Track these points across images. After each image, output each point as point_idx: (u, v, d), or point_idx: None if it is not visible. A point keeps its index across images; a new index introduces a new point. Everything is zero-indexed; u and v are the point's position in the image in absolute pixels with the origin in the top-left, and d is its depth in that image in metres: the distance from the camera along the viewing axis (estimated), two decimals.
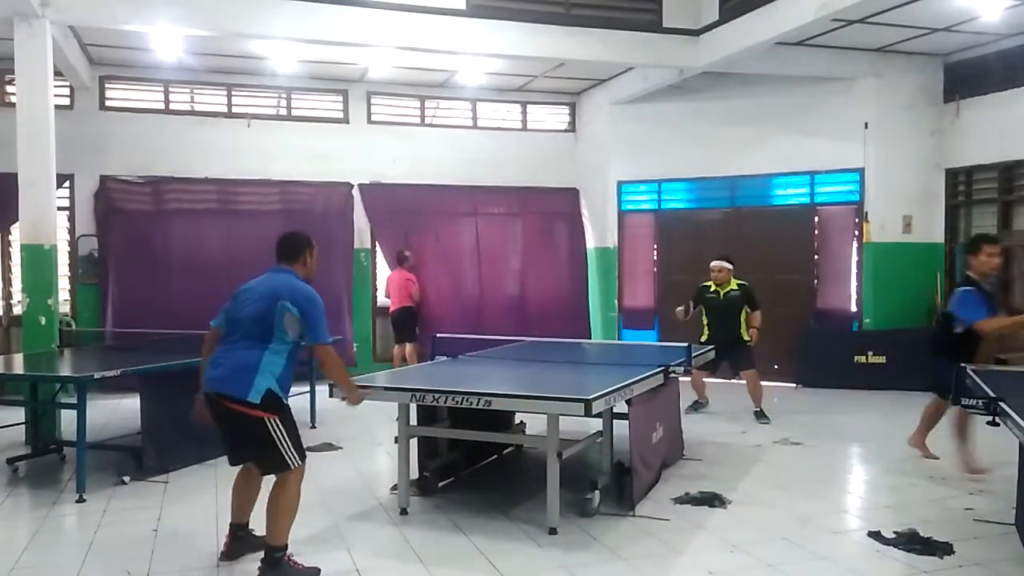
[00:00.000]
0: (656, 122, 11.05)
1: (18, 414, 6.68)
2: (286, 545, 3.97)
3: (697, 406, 8.37)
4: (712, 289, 8.19)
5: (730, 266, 8.22)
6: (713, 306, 8.16)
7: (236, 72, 10.68)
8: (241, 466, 4.25)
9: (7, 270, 10.07)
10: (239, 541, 4.28)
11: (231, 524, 4.32)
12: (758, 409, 8.08)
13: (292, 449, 3.94)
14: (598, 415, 4.87)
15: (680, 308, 8.27)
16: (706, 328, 8.21)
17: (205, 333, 4.32)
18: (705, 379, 8.40)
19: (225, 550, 4.27)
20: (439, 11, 8.52)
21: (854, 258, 10.25)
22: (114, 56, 10.05)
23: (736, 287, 8.16)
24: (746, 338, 8.09)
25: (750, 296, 8.16)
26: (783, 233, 10.49)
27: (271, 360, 3.96)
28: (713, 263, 8.23)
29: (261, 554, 4.00)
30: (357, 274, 11.15)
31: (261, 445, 3.93)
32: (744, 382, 8.24)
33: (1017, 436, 3.89)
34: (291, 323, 3.99)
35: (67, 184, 10.02)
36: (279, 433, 3.91)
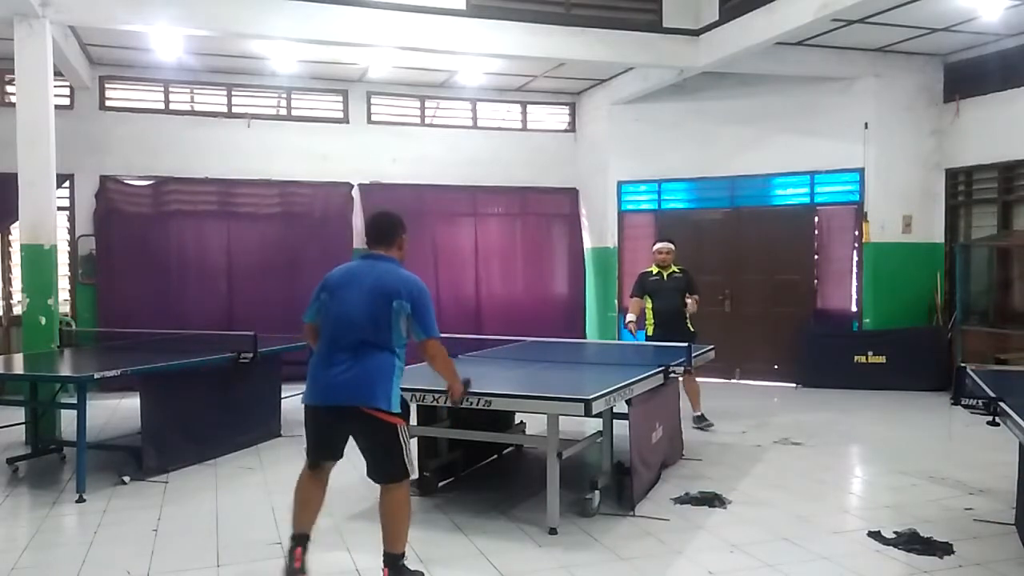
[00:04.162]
0: (656, 122, 11.05)
1: (18, 414, 6.68)
2: (405, 552, 3.90)
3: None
4: (655, 273, 7.88)
5: (673, 247, 7.96)
6: (656, 289, 7.80)
7: (236, 72, 10.68)
8: (309, 473, 4.00)
9: (7, 270, 10.06)
10: (306, 552, 3.97)
11: (301, 535, 3.95)
12: (698, 413, 7.64)
13: (410, 457, 3.85)
14: (598, 415, 4.86)
15: (631, 321, 7.79)
16: (652, 317, 7.80)
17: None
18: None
19: (299, 566, 3.88)
20: (439, 11, 8.51)
21: (854, 258, 10.25)
22: (114, 56, 10.04)
23: (678, 271, 7.87)
24: (692, 330, 7.63)
25: (691, 280, 7.83)
26: (783, 233, 10.48)
27: (400, 366, 3.82)
28: (659, 244, 7.97)
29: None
30: None
31: (387, 452, 3.79)
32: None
33: (1017, 436, 3.90)
34: (406, 322, 3.80)
35: (67, 184, 10.01)
36: (406, 441, 3.80)
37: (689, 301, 7.64)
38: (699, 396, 7.70)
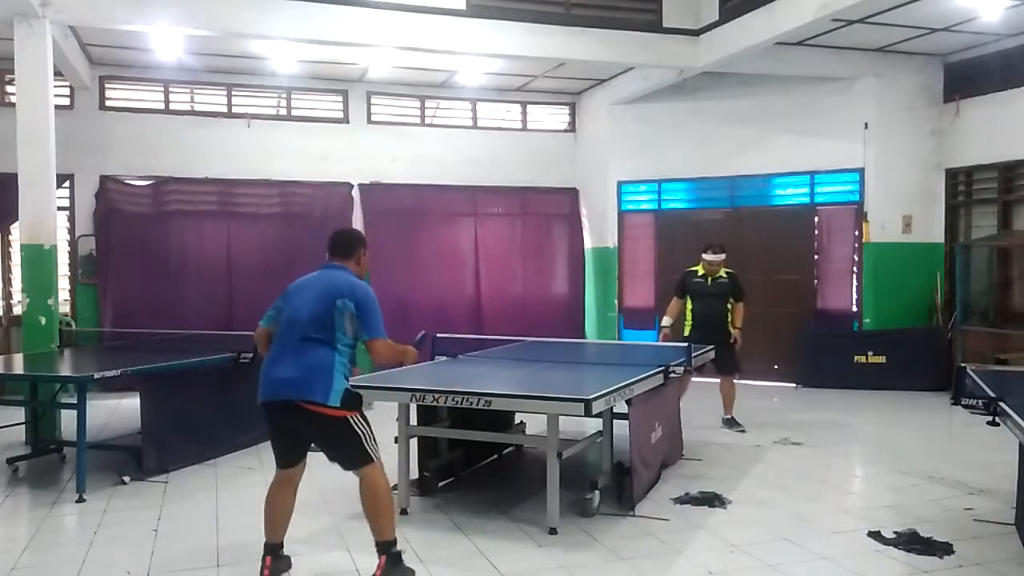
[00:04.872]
0: (656, 122, 11.05)
1: (18, 414, 6.68)
2: (396, 539, 3.96)
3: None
4: (700, 274, 7.67)
5: (724, 256, 7.68)
6: (700, 292, 7.60)
7: (236, 72, 10.67)
8: (276, 481, 4.04)
9: (7, 270, 10.06)
10: (279, 561, 4.03)
11: (270, 544, 4.00)
12: (729, 416, 7.66)
13: (373, 442, 3.92)
14: (598, 415, 4.86)
15: (665, 327, 7.73)
16: (691, 319, 7.66)
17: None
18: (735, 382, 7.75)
19: (267, 574, 3.92)
20: (439, 11, 8.51)
21: (854, 258, 10.25)
22: (114, 56, 10.04)
23: (725, 275, 7.66)
24: (732, 332, 7.57)
25: (737, 285, 7.66)
26: (783, 233, 10.49)
27: (341, 362, 3.89)
28: (712, 256, 7.61)
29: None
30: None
31: (344, 444, 3.90)
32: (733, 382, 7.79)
33: (1017, 436, 3.90)
34: (350, 321, 3.89)
35: (67, 184, 10.01)
36: (362, 429, 3.89)
37: (736, 332, 7.61)
38: (732, 401, 7.74)
